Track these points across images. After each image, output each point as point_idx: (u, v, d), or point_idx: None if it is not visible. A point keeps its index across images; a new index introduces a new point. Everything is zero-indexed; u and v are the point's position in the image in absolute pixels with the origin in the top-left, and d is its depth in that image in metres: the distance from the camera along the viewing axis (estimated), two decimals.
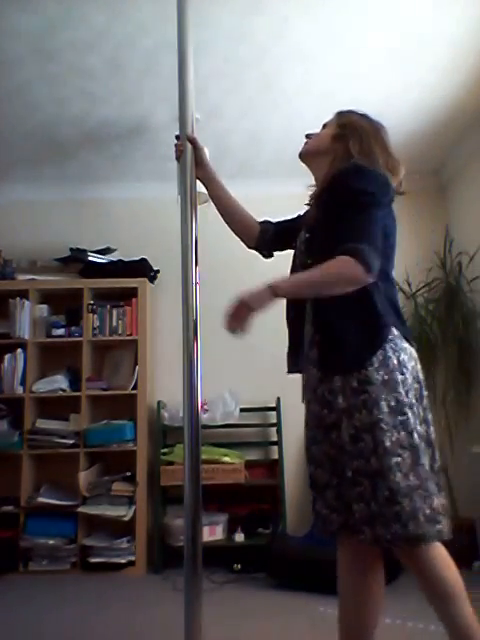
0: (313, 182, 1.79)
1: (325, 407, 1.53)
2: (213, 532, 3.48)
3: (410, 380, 1.56)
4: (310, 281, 1.51)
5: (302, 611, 2.63)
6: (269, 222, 1.93)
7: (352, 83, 3.14)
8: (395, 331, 1.54)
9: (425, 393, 1.62)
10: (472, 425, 3.71)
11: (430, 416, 1.58)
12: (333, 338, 1.55)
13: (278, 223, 1.92)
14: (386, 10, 2.64)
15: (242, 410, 3.63)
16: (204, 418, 3.38)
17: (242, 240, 1.94)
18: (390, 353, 1.52)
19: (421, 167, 4.11)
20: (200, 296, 1.70)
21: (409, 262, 4.09)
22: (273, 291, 1.46)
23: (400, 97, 3.29)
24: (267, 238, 1.90)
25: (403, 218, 4.16)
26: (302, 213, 1.84)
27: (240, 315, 1.46)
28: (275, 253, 1.96)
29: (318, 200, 1.66)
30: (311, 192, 1.77)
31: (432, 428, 1.56)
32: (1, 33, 2.72)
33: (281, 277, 1.52)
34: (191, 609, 1.46)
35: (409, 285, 4.03)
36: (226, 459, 3.51)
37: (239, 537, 3.50)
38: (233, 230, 1.93)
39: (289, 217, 1.91)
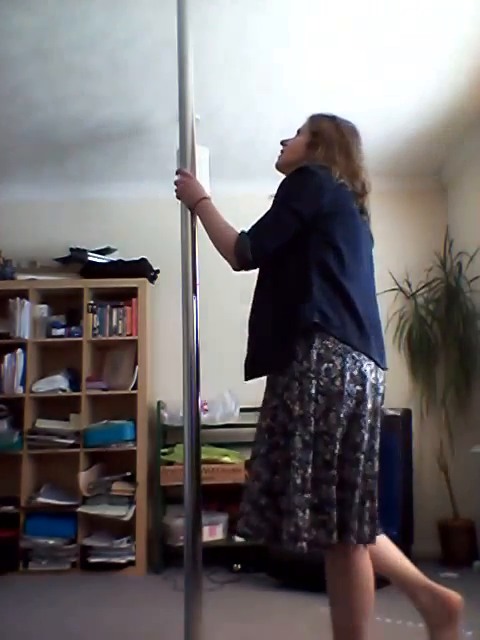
0: None
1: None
2: (213, 532, 3.47)
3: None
4: (211, 226, 1.65)
5: (302, 611, 2.63)
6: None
7: (352, 83, 3.14)
8: (331, 339, 1.50)
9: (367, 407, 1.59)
10: (472, 425, 3.71)
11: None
12: (256, 339, 1.64)
13: None
14: (386, 10, 2.64)
15: (242, 410, 3.63)
16: (204, 418, 3.37)
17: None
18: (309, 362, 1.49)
19: (421, 167, 4.11)
20: (200, 296, 1.70)
21: (409, 262, 4.09)
22: (199, 202, 1.69)
23: (400, 97, 3.29)
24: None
25: (403, 218, 4.23)
26: None
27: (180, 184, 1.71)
28: None
29: None
30: None
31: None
32: (1, 33, 2.71)
33: (209, 203, 1.71)
34: (191, 609, 1.46)
35: (409, 285, 4.04)
36: (226, 459, 3.51)
37: (239, 537, 3.49)
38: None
39: None
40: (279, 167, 1.82)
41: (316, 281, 1.52)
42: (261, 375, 1.60)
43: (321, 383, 1.47)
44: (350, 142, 1.70)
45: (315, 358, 1.47)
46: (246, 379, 1.63)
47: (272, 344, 1.55)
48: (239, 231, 1.60)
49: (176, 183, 1.74)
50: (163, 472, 3.51)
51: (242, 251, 1.55)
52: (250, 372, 1.63)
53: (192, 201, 1.70)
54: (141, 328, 3.75)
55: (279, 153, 1.82)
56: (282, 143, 1.82)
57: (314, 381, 1.46)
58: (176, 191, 1.75)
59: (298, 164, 1.68)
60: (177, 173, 1.76)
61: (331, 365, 1.48)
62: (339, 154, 1.67)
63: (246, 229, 1.61)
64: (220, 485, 3.43)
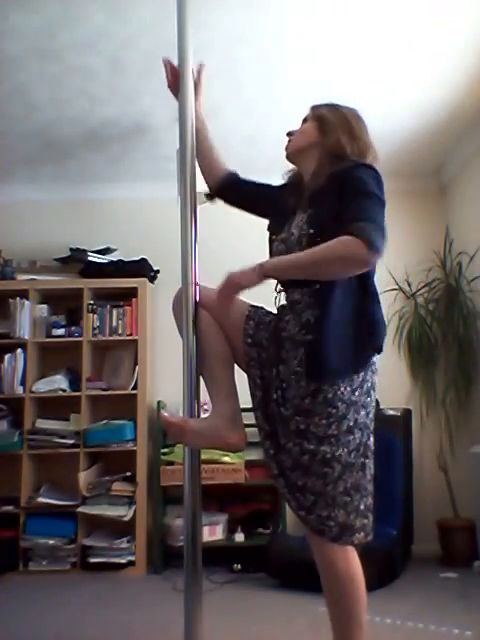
0: (291, 167, 1.83)
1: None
2: (213, 532, 3.47)
3: (373, 399, 1.58)
4: (302, 259, 1.46)
5: (302, 611, 2.62)
6: (237, 175, 1.94)
7: (352, 83, 3.14)
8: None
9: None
10: (472, 425, 3.71)
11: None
12: (320, 342, 1.49)
13: (247, 183, 1.92)
14: (386, 10, 2.64)
15: (242, 410, 3.62)
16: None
17: (206, 181, 1.94)
18: (368, 375, 1.55)
19: (421, 167, 4.11)
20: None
21: (409, 262, 4.09)
22: (261, 268, 1.47)
23: (400, 97, 3.29)
24: (228, 186, 1.91)
25: (403, 218, 4.22)
26: (279, 187, 1.86)
27: (229, 292, 1.50)
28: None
29: (321, 194, 1.62)
30: (289, 178, 1.83)
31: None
32: (1, 33, 2.72)
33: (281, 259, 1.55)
34: (191, 609, 1.46)
35: (409, 285, 4.04)
36: (226, 459, 3.50)
37: (239, 537, 3.50)
38: (200, 167, 1.91)
39: (261, 182, 1.92)
40: (290, 155, 1.79)
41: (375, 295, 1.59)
42: (331, 380, 1.49)
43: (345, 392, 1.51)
44: (354, 126, 1.70)
45: (368, 374, 1.55)
46: (309, 381, 1.50)
47: (352, 351, 1.52)
48: (340, 236, 1.42)
49: (221, 292, 1.54)
50: (163, 472, 3.52)
51: (374, 239, 1.40)
52: (316, 374, 1.49)
53: (255, 277, 1.48)
54: (141, 328, 3.75)
55: (287, 143, 1.80)
56: (289, 134, 1.80)
57: (368, 398, 1.54)
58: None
59: (310, 150, 1.70)
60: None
61: (376, 378, 1.58)
62: (344, 135, 1.67)
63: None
64: (220, 485, 3.43)
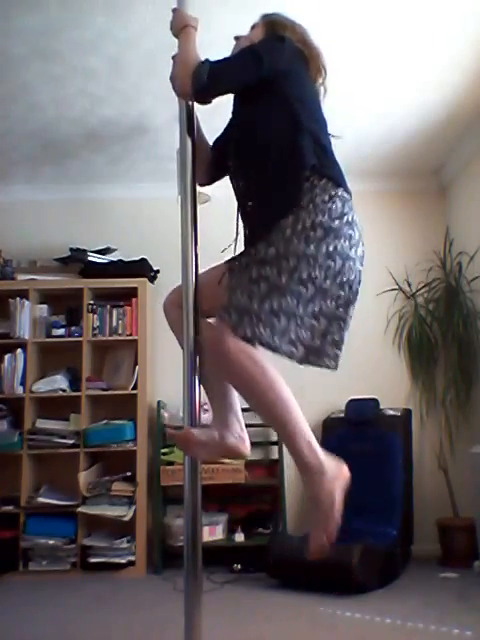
0: None
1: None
2: (213, 532, 3.48)
3: (331, 237, 1.50)
4: (182, 49, 1.78)
5: (302, 611, 2.63)
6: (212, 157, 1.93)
7: (351, 83, 3.14)
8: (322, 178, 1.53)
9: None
10: (472, 425, 3.71)
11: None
12: (255, 212, 1.60)
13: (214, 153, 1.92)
14: (386, 10, 2.64)
15: (242, 410, 3.62)
16: (204, 418, 3.37)
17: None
18: (320, 208, 1.50)
19: (421, 167, 4.11)
20: None
21: (409, 262, 4.09)
22: (183, 29, 1.82)
23: (400, 97, 3.29)
24: (214, 173, 1.91)
25: (403, 218, 4.22)
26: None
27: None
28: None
29: None
30: None
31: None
32: (3, 33, 2.72)
33: (192, 31, 1.80)
34: (191, 609, 1.46)
35: (409, 285, 4.04)
36: (226, 459, 3.50)
37: (239, 537, 3.50)
38: (197, 163, 1.90)
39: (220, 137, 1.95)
40: None
41: (306, 133, 1.56)
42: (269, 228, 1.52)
43: (323, 219, 1.48)
44: (304, 29, 1.79)
45: (320, 200, 1.50)
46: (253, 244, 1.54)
47: (281, 190, 1.54)
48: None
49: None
50: (163, 472, 3.52)
51: (199, 72, 1.60)
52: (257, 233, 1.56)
53: (177, 28, 1.79)
54: (141, 328, 3.75)
55: (233, 47, 1.86)
56: (236, 38, 1.87)
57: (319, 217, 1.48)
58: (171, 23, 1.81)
59: None
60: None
61: (333, 206, 1.50)
62: (295, 35, 1.74)
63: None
64: (220, 485, 3.43)
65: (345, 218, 1.51)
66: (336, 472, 1.38)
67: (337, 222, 1.49)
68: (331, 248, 1.47)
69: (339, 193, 1.53)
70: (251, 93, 1.65)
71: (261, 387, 1.42)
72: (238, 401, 1.64)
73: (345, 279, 1.50)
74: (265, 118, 1.62)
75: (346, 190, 1.56)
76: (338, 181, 1.55)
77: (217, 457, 1.59)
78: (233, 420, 1.59)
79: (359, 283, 1.56)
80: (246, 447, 1.57)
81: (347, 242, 1.50)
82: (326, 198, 1.51)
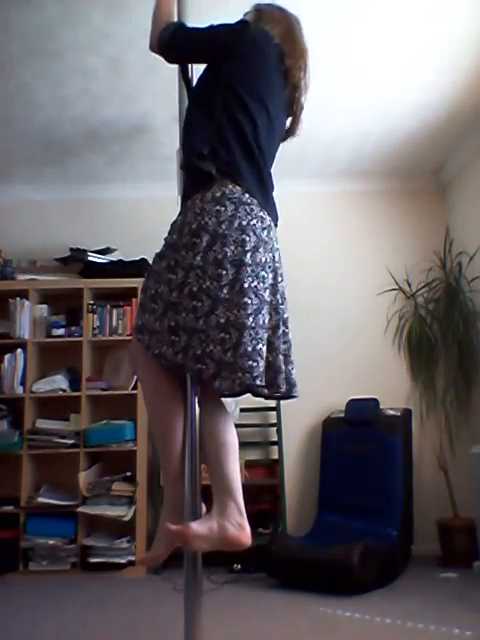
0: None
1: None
2: None
3: (250, 238, 1.47)
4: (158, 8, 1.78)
5: (302, 611, 2.62)
6: None
7: (351, 83, 3.14)
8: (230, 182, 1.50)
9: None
10: (472, 425, 3.71)
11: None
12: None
13: None
14: (386, 10, 2.64)
15: (242, 410, 3.63)
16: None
17: None
18: (230, 208, 1.48)
19: (421, 167, 4.11)
20: None
21: (409, 262, 4.09)
22: None
23: (400, 97, 3.29)
24: None
25: (403, 218, 4.22)
26: None
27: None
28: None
29: None
30: None
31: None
32: (2, 33, 2.72)
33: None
34: (191, 609, 1.46)
35: (409, 285, 4.04)
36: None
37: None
38: None
39: None
40: None
41: (221, 121, 1.56)
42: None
43: (209, 223, 1.46)
44: (293, 23, 1.81)
45: (209, 199, 1.49)
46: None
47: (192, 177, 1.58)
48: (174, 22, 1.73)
49: None
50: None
51: (162, 34, 1.66)
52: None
53: None
54: None
55: None
56: None
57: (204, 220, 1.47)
58: None
59: None
60: None
61: (222, 209, 1.47)
62: (279, 28, 1.77)
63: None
64: None
65: (236, 222, 1.45)
66: (184, 531, 1.38)
67: (224, 226, 1.45)
68: (220, 256, 1.43)
69: (235, 195, 1.48)
70: (205, 71, 1.70)
71: (155, 417, 1.54)
72: (239, 480, 1.55)
73: (246, 286, 1.41)
74: (194, 98, 1.68)
75: (249, 192, 1.50)
76: (236, 179, 1.50)
77: (218, 548, 1.45)
78: (231, 507, 1.46)
79: (276, 287, 1.53)
80: (246, 536, 1.44)
81: (239, 248, 1.44)
82: (219, 195, 1.48)
